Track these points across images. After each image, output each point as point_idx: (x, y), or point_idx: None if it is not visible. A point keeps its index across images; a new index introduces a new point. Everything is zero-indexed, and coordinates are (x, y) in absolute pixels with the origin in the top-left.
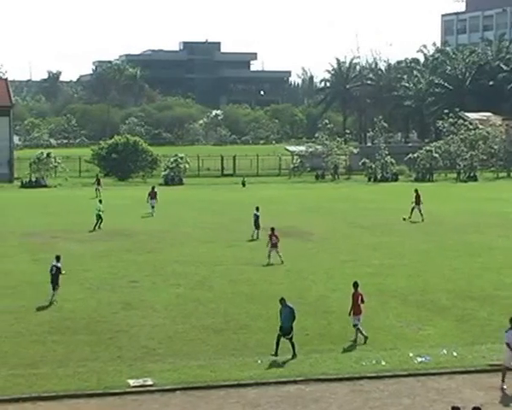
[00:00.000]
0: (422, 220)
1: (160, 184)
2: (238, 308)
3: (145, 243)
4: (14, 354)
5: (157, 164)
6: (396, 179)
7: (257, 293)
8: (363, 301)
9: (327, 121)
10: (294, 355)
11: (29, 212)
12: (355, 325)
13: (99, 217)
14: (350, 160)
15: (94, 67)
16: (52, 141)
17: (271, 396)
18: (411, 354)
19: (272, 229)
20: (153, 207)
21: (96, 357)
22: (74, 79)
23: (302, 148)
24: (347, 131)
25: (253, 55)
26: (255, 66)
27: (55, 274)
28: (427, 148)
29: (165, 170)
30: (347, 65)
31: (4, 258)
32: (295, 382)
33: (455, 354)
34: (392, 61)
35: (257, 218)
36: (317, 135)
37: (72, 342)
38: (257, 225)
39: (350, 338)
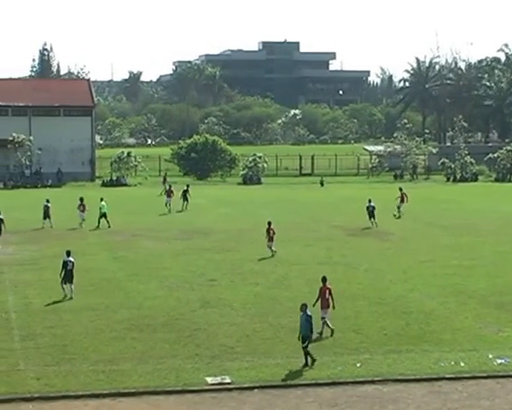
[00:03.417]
0: (399, 217)
1: (239, 184)
2: (315, 307)
3: (223, 242)
4: (94, 351)
5: (235, 163)
6: (476, 179)
7: (334, 292)
8: (331, 294)
9: (406, 121)
10: (306, 365)
11: (110, 210)
12: (322, 318)
13: (103, 215)
14: (429, 159)
15: (174, 67)
16: (132, 140)
17: (349, 396)
18: (491, 356)
19: (269, 223)
20: (170, 204)
21: (175, 354)
22: (154, 79)
23: (381, 147)
24: (426, 131)
25: (332, 55)
26: (334, 65)
27: (71, 269)
28: (508, 148)
29: (243, 169)
30: (427, 64)
31: (85, 256)
32: (373, 382)
33: None
34: (473, 61)
35: (373, 209)
36: (395, 135)
37: (151, 340)
38: (373, 215)
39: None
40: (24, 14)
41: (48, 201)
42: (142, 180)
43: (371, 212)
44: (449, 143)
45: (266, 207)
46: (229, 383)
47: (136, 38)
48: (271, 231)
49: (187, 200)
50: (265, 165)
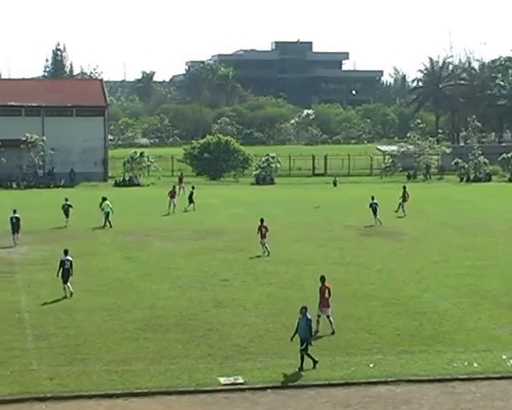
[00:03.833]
0: (404, 215)
1: (252, 184)
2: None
3: (236, 242)
4: (107, 351)
5: (248, 163)
6: (489, 180)
7: (347, 293)
8: (330, 294)
9: (419, 121)
10: (301, 368)
11: (122, 210)
12: (328, 317)
13: (107, 214)
14: (442, 160)
15: (187, 67)
16: (145, 140)
17: (362, 396)
18: (504, 357)
19: (262, 220)
20: (174, 205)
21: (188, 354)
22: (167, 79)
23: (394, 147)
24: (440, 131)
25: (345, 55)
26: (347, 65)
27: (68, 269)
28: None
29: (256, 169)
30: (440, 64)
31: (98, 256)
32: (386, 382)
33: None
34: (486, 60)
35: (376, 206)
36: (408, 135)
37: (163, 340)
38: (375, 213)
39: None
40: (37, 15)
41: (67, 200)
42: (155, 180)
43: (374, 209)
44: (462, 143)
45: (279, 207)
46: (242, 384)
47: (149, 38)
48: (264, 229)
49: (193, 202)
50: (278, 165)
